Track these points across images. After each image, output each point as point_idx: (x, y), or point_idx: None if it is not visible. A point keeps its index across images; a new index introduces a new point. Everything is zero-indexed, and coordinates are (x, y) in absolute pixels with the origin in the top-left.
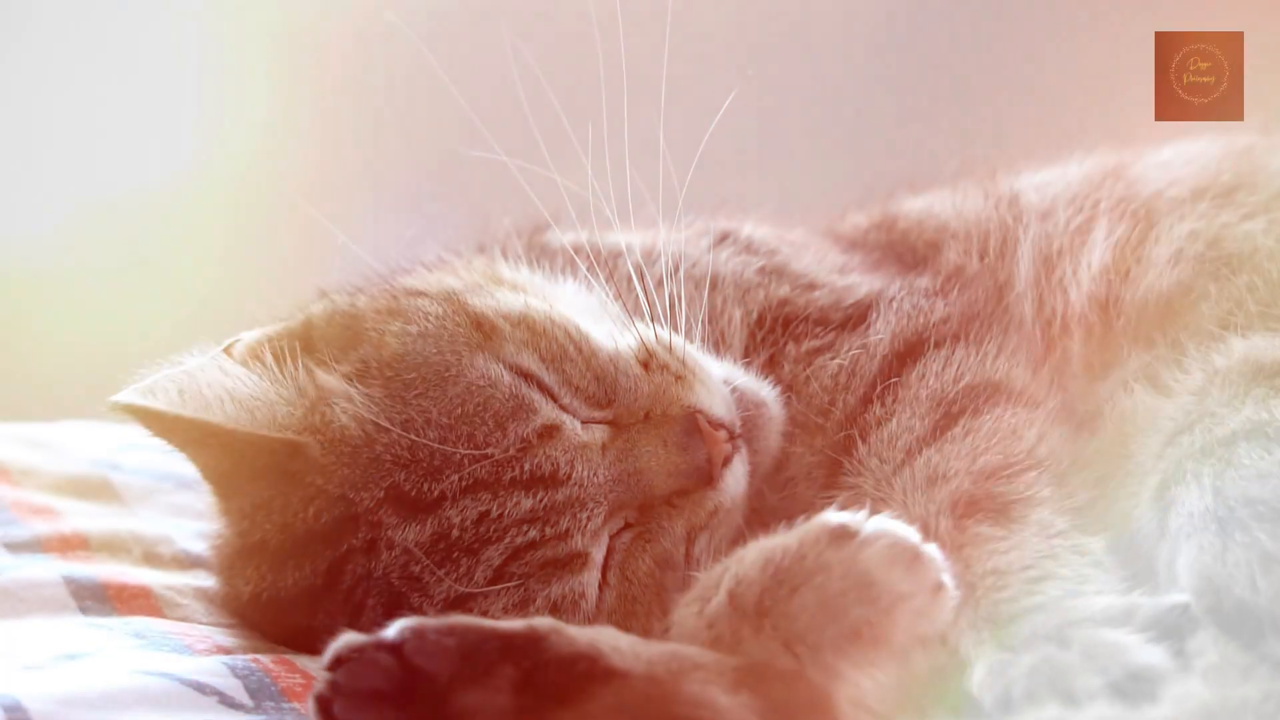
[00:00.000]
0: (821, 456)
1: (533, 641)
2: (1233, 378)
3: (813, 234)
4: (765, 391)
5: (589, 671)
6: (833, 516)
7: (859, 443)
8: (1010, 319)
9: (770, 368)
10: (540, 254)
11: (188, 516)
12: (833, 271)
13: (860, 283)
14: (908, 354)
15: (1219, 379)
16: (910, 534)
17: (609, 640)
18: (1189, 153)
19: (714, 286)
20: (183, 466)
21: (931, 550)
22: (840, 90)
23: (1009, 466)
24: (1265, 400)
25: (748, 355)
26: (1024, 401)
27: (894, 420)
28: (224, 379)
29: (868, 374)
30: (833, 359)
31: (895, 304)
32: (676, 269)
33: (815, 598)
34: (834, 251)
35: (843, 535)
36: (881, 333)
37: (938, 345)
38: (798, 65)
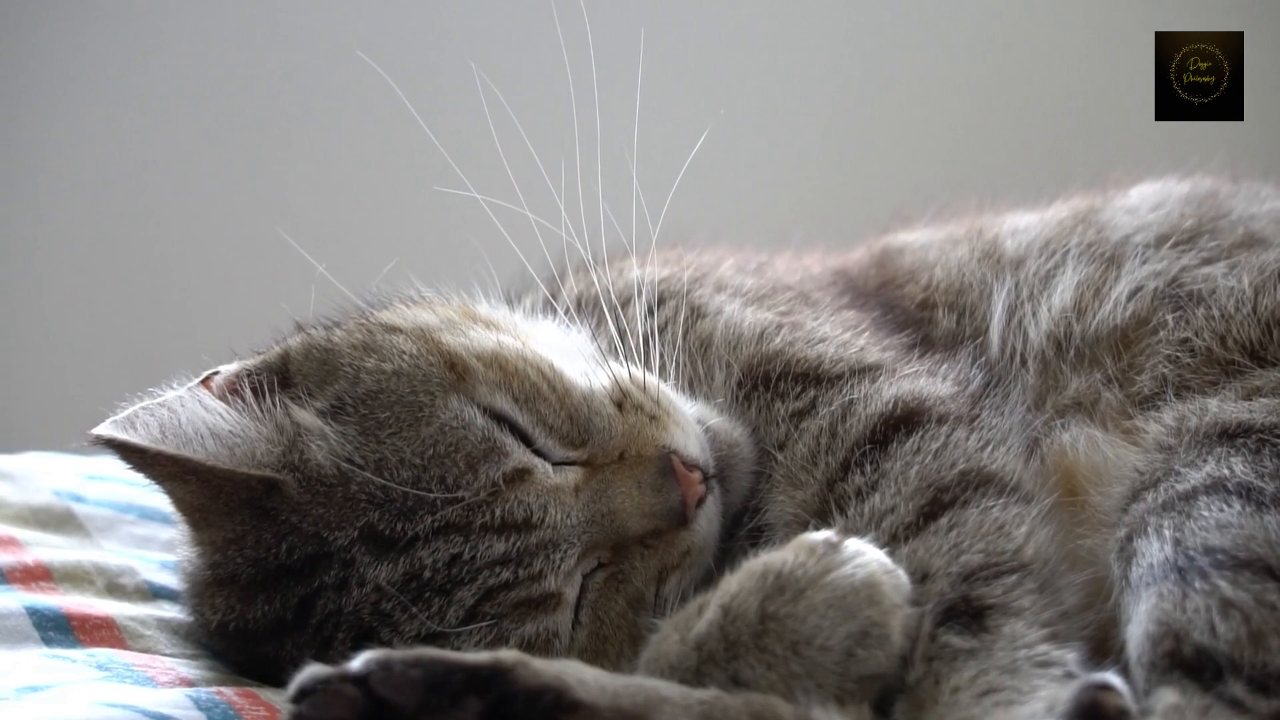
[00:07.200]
0: (800, 512)
1: (499, 674)
2: (1200, 438)
3: (825, 267)
4: (738, 432)
5: (555, 704)
6: (816, 534)
7: (835, 513)
8: (1005, 398)
9: (758, 423)
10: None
11: (151, 548)
12: (845, 329)
13: (869, 344)
14: (903, 420)
15: (1188, 438)
16: (884, 556)
17: (575, 673)
18: (1155, 198)
19: (705, 336)
20: (146, 498)
21: (903, 574)
22: (828, 114)
23: (990, 567)
24: (1226, 459)
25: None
26: (1016, 496)
27: (877, 495)
28: (204, 414)
29: (850, 436)
30: (816, 419)
31: (899, 370)
32: (660, 308)
33: (825, 598)
34: (849, 309)
35: (834, 547)
36: (876, 395)
37: (939, 421)
38: (777, 97)
